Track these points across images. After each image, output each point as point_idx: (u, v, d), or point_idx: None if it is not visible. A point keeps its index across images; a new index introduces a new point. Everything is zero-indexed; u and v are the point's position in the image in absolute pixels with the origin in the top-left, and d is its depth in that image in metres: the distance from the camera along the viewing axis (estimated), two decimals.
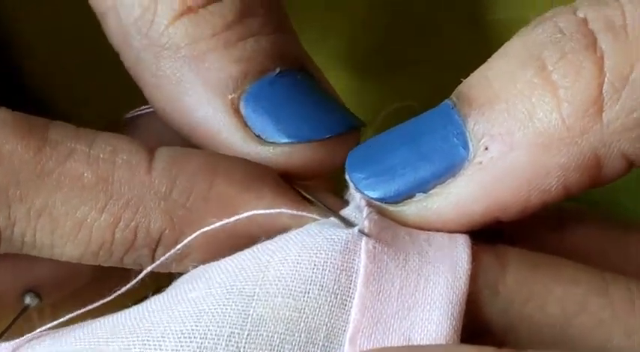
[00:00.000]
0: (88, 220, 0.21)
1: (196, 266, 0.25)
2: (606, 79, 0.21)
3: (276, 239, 0.23)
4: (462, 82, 0.23)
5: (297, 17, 0.27)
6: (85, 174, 0.21)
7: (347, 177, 0.23)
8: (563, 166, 0.21)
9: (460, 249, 0.22)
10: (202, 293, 0.23)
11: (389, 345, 0.22)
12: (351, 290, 0.22)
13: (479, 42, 0.33)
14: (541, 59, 0.21)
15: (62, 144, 0.22)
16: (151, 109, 0.26)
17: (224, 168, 0.23)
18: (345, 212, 0.23)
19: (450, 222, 0.22)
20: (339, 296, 0.22)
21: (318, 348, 0.22)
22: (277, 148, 0.23)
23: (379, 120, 0.26)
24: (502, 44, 0.22)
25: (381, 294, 0.22)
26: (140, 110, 0.27)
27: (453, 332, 0.22)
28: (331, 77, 0.28)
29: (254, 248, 0.23)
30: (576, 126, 0.21)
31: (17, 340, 0.24)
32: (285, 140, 0.23)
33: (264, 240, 0.23)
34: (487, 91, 0.21)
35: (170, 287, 0.24)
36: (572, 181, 0.21)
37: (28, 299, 0.26)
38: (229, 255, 0.23)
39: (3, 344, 0.24)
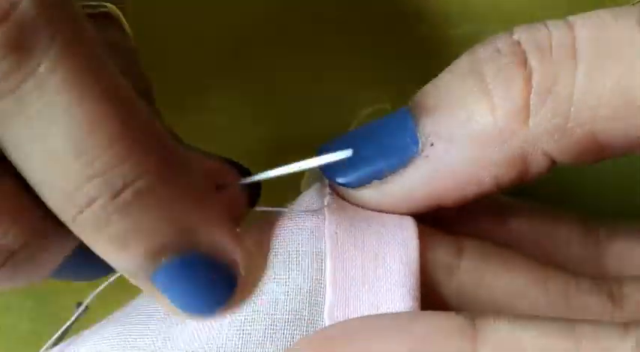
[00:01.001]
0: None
1: None
2: (533, 90, 0.23)
3: (256, 232, 0.25)
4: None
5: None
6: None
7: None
8: (494, 162, 0.23)
9: (408, 228, 0.24)
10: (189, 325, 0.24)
11: (361, 315, 0.24)
12: (322, 272, 0.24)
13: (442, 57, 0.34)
14: (481, 73, 0.23)
15: None
16: None
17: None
18: (307, 199, 0.25)
19: (398, 204, 0.24)
20: (314, 278, 0.24)
21: (304, 322, 0.23)
22: None
23: (357, 121, 0.28)
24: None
25: (347, 272, 0.24)
26: None
27: (415, 301, 0.23)
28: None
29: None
30: (507, 129, 0.23)
31: (61, 345, 0.26)
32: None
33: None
34: (435, 98, 0.24)
35: None
36: (502, 175, 0.23)
37: (77, 309, 0.27)
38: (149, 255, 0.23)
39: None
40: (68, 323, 0.27)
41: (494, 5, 0.36)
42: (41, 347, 0.27)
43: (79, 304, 0.27)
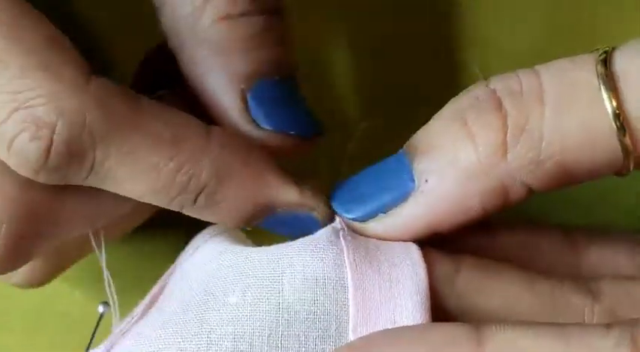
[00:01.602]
0: (160, 165, 0.26)
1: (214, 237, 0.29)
2: (508, 130, 0.25)
3: (282, 251, 0.27)
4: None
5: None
6: (164, 134, 0.26)
7: (331, 204, 0.28)
8: (480, 192, 0.26)
9: (414, 253, 0.27)
10: (240, 300, 0.27)
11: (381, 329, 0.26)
12: (345, 294, 0.26)
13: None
14: (464, 118, 0.26)
15: (150, 109, 0.26)
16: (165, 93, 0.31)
17: (257, 148, 0.28)
18: (324, 233, 0.27)
19: (402, 233, 0.27)
20: (338, 300, 0.26)
21: (332, 339, 0.26)
22: (262, 132, 0.28)
23: (355, 136, 0.31)
24: None
25: (366, 294, 0.26)
26: (162, 92, 0.32)
27: (427, 316, 0.26)
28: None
29: (266, 255, 0.27)
30: (488, 164, 0.25)
31: (103, 346, 0.28)
32: (268, 128, 0.28)
33: (279, 213, 0.28)
34: (427, 141, 0.27)
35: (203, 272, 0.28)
36: (487, 203, 0.26)
37: (101, 308, 0.30)
38: (241, 219, 0.28)
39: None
40: (98, 321, 0.29)
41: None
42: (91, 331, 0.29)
43: (105, 303, 0.29)
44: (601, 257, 0.30)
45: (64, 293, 0.35)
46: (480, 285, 0.27)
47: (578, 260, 0.29)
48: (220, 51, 0.28)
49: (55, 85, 0.24)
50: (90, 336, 0.29)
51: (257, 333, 0.25)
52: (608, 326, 0.23)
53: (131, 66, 0.34)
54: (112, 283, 0.28)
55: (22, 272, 0.29)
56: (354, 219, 0.27)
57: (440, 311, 0.26)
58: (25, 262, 0.27)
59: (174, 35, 0.29)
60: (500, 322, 0.24)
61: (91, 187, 0.26)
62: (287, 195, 0.27)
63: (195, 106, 0.29)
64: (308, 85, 0.31)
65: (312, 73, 0.32)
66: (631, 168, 0.25)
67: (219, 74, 0.28)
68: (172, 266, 0.29)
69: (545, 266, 0.28)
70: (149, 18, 0.30)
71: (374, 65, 0.40)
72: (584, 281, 0.28)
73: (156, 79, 0.32)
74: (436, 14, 0.41)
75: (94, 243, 0.28)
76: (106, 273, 0.28)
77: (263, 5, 0.28)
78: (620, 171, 0.26)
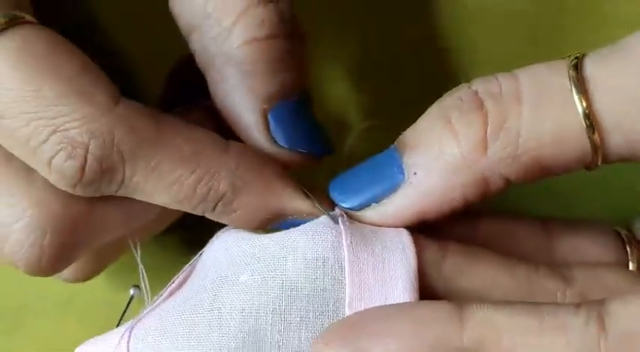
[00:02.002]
0: (182, 178, 0.28)
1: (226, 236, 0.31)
2: (489, 127, 0.27)
3: (288, 236, 0.29)
4: None
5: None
6: (185, 149, 0.28)
7: (330, 195, 0.29)
8: (462, 184, 0.27)
9: (405, 238, 0.28)
10: (249, 279, 0.28)
11: (374, 306, 0.28)
12: (342, 273, 0.28)
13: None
14: (448, 117, 0.27)
15: (172, 127, 0.28)
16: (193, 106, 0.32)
17: (272, 162, 0.29)
18: (324, 220, 0.28)
19: (393, 221, 0.28)
20: (336, 279, 0.27)
21: (330, 314, 0.28)
22: (278, 149, 0.29)
23: (353, 136, 0.33)
24: None
25: (362, 273, 0.28)
26: (189, 105, 0.33)
27: (415, 295, 0.27)
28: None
29: (274, 240, 0.29)
30: (470, 158, 0.27)
31: (130, 322, 0.29)
32: (285, 146, 0.29)
33: (290, 219, 0.30)
34: (415, 138, 0.28)
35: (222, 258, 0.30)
36: (469, 194, 0.28)
37: (132, 291, 0.32)
38: (256, 224, 0.30)
39: (119, 328, 0.30)
40: (128, 303, 0.31)
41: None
42: (115, 316, 0.31)
43: (136, 286, 0.32)
44: (574, 245, 0.31)
45: (93, 281, 0.36)
46: (464, 269, 0.29)
47: (553, 248, 0.31)
48: (246, 72, 0.29)
49: (87, 109, 0.26)
50: (117, 318, 0.31)
51: (263, 308, 0.27)
52: (578, 305, 0.25)
53: (156, 88, 0.35)
54: (144, 273, 0.30)
55: (70, 271, 0.31)
56: (350, 208, 0.28)
57: (427, 291, 0.28)
58: (68, 265, 0.29)
59: (202, 54, 0.30)
60: (480, 301, 0.25)
61: (123, 197, 0.28)
62: (297, 205, 0.29)
63: (220, 119, 0.31)
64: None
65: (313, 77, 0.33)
66: (599, 163, 0.27)
67: (244, 93, 0.30)
68: (196, 256, 0.31)
69: (523, 253, 0.30)
70: (173, 42, 0.32)
71: (373, 68, 0.41)
72: (558, 268, 0.29)
73: (183, 90, 0.34)
74: (433, 22, 0.42)
75: (131, 244, 0.30)
76: (140, 267, 0.30)
77: (288, 30, 0.29)
78: (589, 166, 0.27)
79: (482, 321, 0.25)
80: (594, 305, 0.25)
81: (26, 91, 0.26)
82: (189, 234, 0.34)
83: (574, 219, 0.33)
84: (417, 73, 0.41)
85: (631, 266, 0.31)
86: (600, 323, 0.25)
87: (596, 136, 0.27)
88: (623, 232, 0.33)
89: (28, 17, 0.28)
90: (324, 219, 0.29)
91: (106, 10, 0.40)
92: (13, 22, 0.27)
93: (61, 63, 0.27)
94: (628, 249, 0.32)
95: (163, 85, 0.35)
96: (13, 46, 0.27)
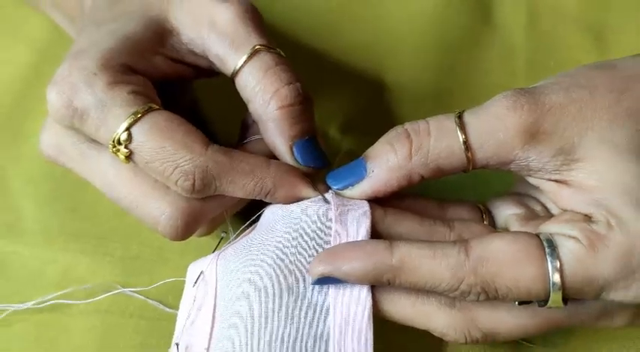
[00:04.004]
0: (246, 184, 0.36)
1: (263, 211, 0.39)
2: (413, 145, 0.35)
3: (304, 204, 0.37)
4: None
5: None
6: (246, 168, 0.36)
7: (326, 181, 0.38)
8: (397, 178, 0.36)
9: (365, 204, 0.37)
10: (281, 227, 0.37)
11: (346, 242, 0.35)
12: (331, 222, 0.36)
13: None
14: (391, 141, 0.35)
15: (238, 157, 0.37)
16: (254, 139, 0.40)
17: (296, 171, 0.38)
18: (320, 197, 0.37)
19: (359, 196, 0.37)
20: (327, 225, 0.37)
21: (322, 244, 0.36)
22: (300, 165, 0.38)
23: (339, 156, 0.45)
24: None
25: (342, 223, 0.36)
26: (250, 139, 0.41)
27: (369, 235, 0.35)
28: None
29: (296, 206, 0.37)
30: (401, 164, 0.35)
31: (217, 252, 0.38)
32: (303, 164, 0.38)
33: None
34: (373, 152, 0.36)
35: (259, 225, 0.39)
36: (400, 184, 0.36)
37: (222, 234, 0.41)
38: (287, 203, 0.38)
39: (211, 255, 0.38)
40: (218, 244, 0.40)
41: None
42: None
43: (224, 232, 0.41)
44: (455, 211, 0.41)
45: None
46: (396, 221, 0.37)
47: (444, 212, 0.41)
48: (279, 124, 0.37)
49: (191, 154, 0.35)
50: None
51: (285, 242, 0.36)
52: (454, 242, 0.34)
53: (233, 133, 0.44)
54: (229, 224, 0.40)
55: (196, 233, 0.40)
56: (337, 189, 0.38)
57: (375, 233, 0.36)
58: (192, 234, 0.38)
59: (255, 114, 0.38)
60: (403, 240, 0.34)
61: (217, 194, 0.37)
62: (308, 192, 0.38)
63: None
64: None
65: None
66: (470, 169, 0.35)
67: (278, 136, 0.38)
68: (256, 216, 0.40)
69: (428, 215, 0.39)
70: (241, 106, 0.40)
71: (360, 114, 0.52)
72: (447, 221, 0.38)
73: (249, 132, 0.42)
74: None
75: (226, 216, 0.40)
76: (228, 223, 0.41)
77: (301, 98, 0.37)
78: (465, 170, 0.35)
79: (403, 251, 0.33)
80: (463, 242, 0.33)
81: (158, 148, 0.35)
82: (248, 211, 0.42)
83: (457, 199, 0.42)
84: (373, 117, 0.52)
85: (485, 222, 0.40)
86: (466, 252, 0.33)
87: (469, 154, 0.35)
88: (481, 206, 0.42)
89: (155, 106, 0.36)
90: (322, 197, 0.37)
91: (201, 94, 0.48)
92: (148, 111, 0.36)
93: (174, 130, 0.35)
94: (483, 214, 0.41)
95: (240, 128, 0.43)
96: (148, 124, 0.35)
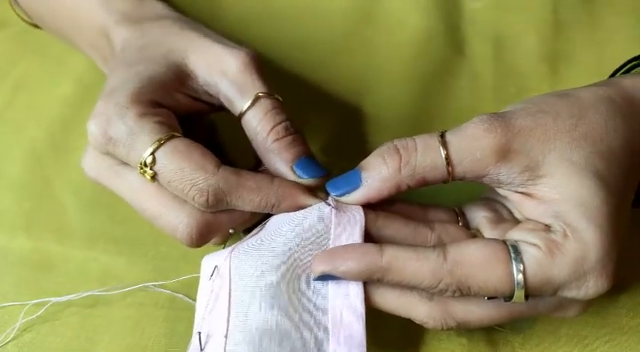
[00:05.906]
0: (252, 199, 0.39)
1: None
2: (402, 162, 0.38)
3: (308, 211, 0.40)
4: None
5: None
6: (253, 185, 0.40)
7: (326, 188, 0.41)
8: (388, 187, 0.39)
9: (359, 209, 0.40)
10: (287, 228, 0.40)
11: (344, 244, 0.38)
12: (330, 224, 0.40)
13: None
14: (383, 155, 0.38)
15: (246, 175, 0.40)
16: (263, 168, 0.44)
17: (297, 184, 0.41)
18: (324, 203, 0.40)
19: (354, 202, 0.41)
20: (328, 227, 0.40)
21: (322, 244, 0.39)
22: (301, 178, 0.41)
23: (335, 171, 0.44)
24: None
25: (342, 226, 0.39)
26: (262, 169, 0.45)
27: (362, 238, 0.39)
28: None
29: (300, 212, 0.41)
30: (392, 175, 0.38)
31: (229, 248, 0.41)
32: (306, 177, 0.41)
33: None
34: (367, 164, 0.40)
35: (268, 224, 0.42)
36: (391, 192, 0.39)
37: (231, 231, 0.44)
38: (292, 211, 0.41)
39: (227, 248, 0.42)
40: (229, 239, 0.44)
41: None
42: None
43: (245, 231, 0.46)
44: (436, 215, 0.44)
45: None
46: (386, 223, 0.41)
47: (426, 215, 0.44)
48: (278, 153, 0.41)
49: (205, 174, 0.38)
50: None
51: (291, 240, 0.39)
52: (434, 247, 0.37)
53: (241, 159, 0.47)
54: (241, 233, 0.45)
55: (210, 243, 0.43)
56: (336, 195, 0.41)
57: (368, 236, 0.40)
58: (207, 242, 0.41)
59: (257, 150, 0.42)
60: (391, 244, 0.37)
61: (230, 209, 0.40)
62: (310, 202, 0.41)
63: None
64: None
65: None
66: (450, 180, 0.38)
67: (279, 162, 0.41)
68: (266, 221, 0.43)
69: (412, 217, 0.42)
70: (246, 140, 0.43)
71: (345, 140, 0.55)
72: (428, 223, 0.42)
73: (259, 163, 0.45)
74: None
75: (234, 231, 0.44)
76: (240, 232, 0.45)
77: (293, 131, 0.41)
78: (446, 181, 0.39)
79: (391, 253, 0.36)
80: (442, 247, 0.37)
81: (178, 169, 0.38)
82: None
83: (436, 204, 0.45)
84: (357, 145, 0.56)
85: (460, 224, 0.44)
86: (444, 255, 0.36)
87: (450, 168, 0.38)
88: (457, 209, 0.45)
89: (177, 134, 0.39)
90: (323, 203, 0.41)
91: (221, 122, 0.51)
92: (170, 138, 0.39)
93: (192, 154, 0.39)
94: (458, 216, 0.45)
95: (255, 159, 0.46)
96: (170, 149, 0.39)
